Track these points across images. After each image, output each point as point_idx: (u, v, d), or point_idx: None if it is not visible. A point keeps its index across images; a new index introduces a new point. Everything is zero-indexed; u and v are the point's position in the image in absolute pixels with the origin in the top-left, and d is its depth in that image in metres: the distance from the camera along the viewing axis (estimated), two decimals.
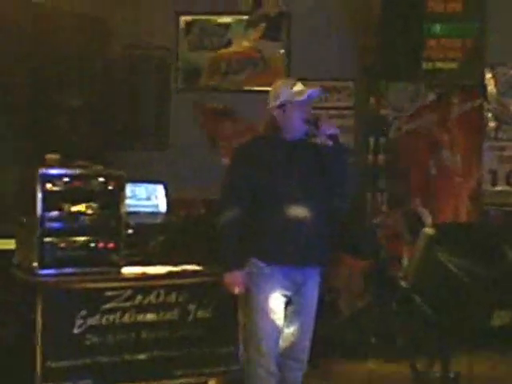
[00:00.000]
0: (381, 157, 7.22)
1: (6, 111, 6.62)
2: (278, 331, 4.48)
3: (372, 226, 7.12)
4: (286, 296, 4.49)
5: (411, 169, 7.32)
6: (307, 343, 4.61)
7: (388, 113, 7.31)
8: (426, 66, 7.17)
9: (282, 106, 4.49)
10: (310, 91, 4.49)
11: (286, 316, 4.52)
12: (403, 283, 6.23)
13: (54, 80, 6.84)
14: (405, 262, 6.62)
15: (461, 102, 7.33)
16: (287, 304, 4.52)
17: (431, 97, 7.38)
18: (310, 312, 4.59)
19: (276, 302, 4.46)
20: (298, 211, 4.44)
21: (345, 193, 4.62)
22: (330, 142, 4.49)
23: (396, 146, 7.32)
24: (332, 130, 4.49)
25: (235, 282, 4.47)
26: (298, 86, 4.52)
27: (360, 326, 6.36)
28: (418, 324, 6.21)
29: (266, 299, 4.44)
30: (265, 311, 4.44)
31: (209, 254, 5.42)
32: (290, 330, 4.55)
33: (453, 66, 7.26)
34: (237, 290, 4.52)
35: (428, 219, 6.90)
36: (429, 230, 6.44)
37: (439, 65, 7.24)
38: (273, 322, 4.44)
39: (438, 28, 7.24)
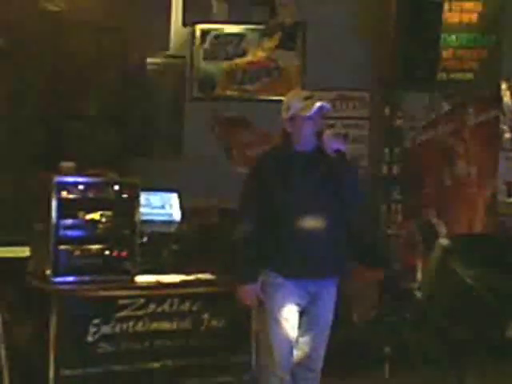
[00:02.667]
0: (395, 167, 7.20)
1: (22, 119, 6.65)
2: (292, 340, 4.48)
3: (385, 235, 7.10)
4: (299, 305, 4.49)
5: (426, 179, 7.30)
6: (321, 353, 4.61)
7: (403, 123, 7.29)
8: (441, 76, 7.15)
9: (292, 118, 4.51)
10: (317, 106, 4.47)
11: (300, 325, 4.52)
12: (418, 294, 6.22)
13: (71, 88, 6.86)
14: (419, 272, 6.60)
15: (476, 113, 7.31)
16: (302, 313, 4.52)
17: (446, 107, 7.36)
18: (325, 322, 4.59)
19: (289, 312, 4.46)
20: (312, 223, 4.44)
21: (356, 202, 4.62)
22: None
23: (411, 157, 7.30)
24: (336, 145, 4.48)
25: (248, 295, 4.48)
26: (308, 100, 4.50)
27: (373, 336, 6.33)
28: (432, 335, 6.19)
29: (280, 308, 4.44)
30: (278, 320, 4.44)
31: (222, 264, 5.43)
32: (304, 340, 4.55)
33: (468, 76, 7.25)
34: (249, 304, 4.53)
35: (443, 230, 6.88)
36: (443, 241, 6.43)
37: (455, 75, 7.23)
38: (286, 331, 4.44)
39: (453, 39, 7.23)
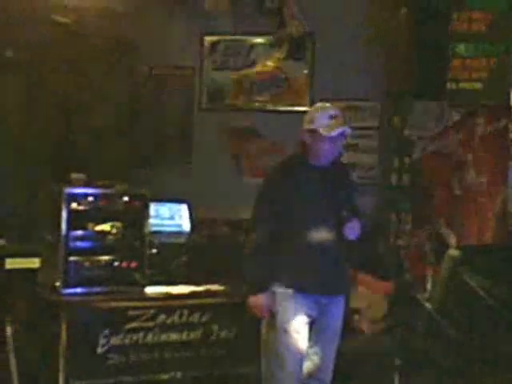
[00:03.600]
0: (405, 177, 7.19)
1: (32, 131, 6.67)
2: (302, 351, 4.48)
3: (395, 245, 7.08)
4: (310, 316, 4.48)
5: (436, 189, 7.28)
6: (331, 364, 4.61)
7: (412, 133, 7.28)
8: (450, 86, 7.13)
9: (312, 131, 4.48)
10: (339, 130, 4.46)
11: (310, 336, 4.51)
12: (428, 305, 6.19)
13: (80, 99, 6.89)
14: (429, 283, 6.58)
15: (486, 123, 7.28)
16: (311, 324, 4.51)
17: (456, 117, 7.34)
18: (335, 333, 4.60)
19: (300, 323, 4.46)
20: (324, 238, 4.45)
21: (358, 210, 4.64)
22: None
23: (420, 167, 7.28)
24: (352, 236, 4.51)
25: (260, 305, 4.47)
26: (333, 120, 4.46)
27: (383, 347, 6.31)
28: (442, 346, 6.16)
29: (290, 320, 4.45)
30: (288, 331, 4.44)
31: (232, 274, 5.43)
32: (313, 351, 4.55)
33: (478, 86, 7.22)
34: (261, 314, 4.52)
35: (452, 240, 6.85)
36: (453, 252, 6.40)
37: (464, 85, 7.20)
38: (297, 341, 4.44)
39: (462, 48, 7.21)
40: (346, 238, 4.46)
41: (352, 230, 4.46)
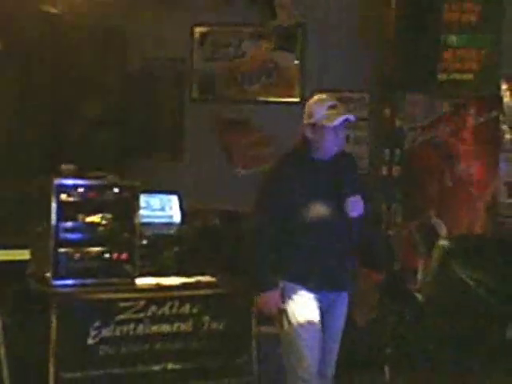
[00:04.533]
0: (396, 168, 7.19)
1: (23, 121, 6.65)
2: (319, 341, 4.41)
3: (386, 237, 7.09)
4: (320, 308, 4.43)
5: (426, 180, 7.29)
6: (334, 358, 4.57)
7: (403, 124, 7.29)
8: (441, 77, 7.13)
9: (313, 125, 4.40)
10: (341, 118, 4.36)
11: None
12: (418, 295, 6.22)
13: (72, 91, 6.87)
14: (420, 274, 6.60)
15: (476, 114, 7.30)
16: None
17: (447, 108, 7.35)
18: (339, 329, 4.57)
19: (313, 313, 4.40)
20: (328, 234, 4.38)
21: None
22: None
23: (411, 158, 7.29)
24: (356, 213, 4.39)
25: (271, 303, 4.40)
26: (333, 110, 4.38)
27: (374, 337, 6.33)
28: (432, 336, 6.19)
29: (303, 312, 4.39)
30: (302, 323, 4.38)
31: (223, 265, 5.44)
32: None
33: (469, 77, 7.22)
34: (270, 312, 4.46)
35: (443, 231, 6.87)
36: (444, 242, 6.43)
37: (455, 76, 7.21)
38: (313, 333, 4.38)
39: (454, 39, 7.21)
40: (347, 215, 4.32)
41: (355, 205, 4.34)
